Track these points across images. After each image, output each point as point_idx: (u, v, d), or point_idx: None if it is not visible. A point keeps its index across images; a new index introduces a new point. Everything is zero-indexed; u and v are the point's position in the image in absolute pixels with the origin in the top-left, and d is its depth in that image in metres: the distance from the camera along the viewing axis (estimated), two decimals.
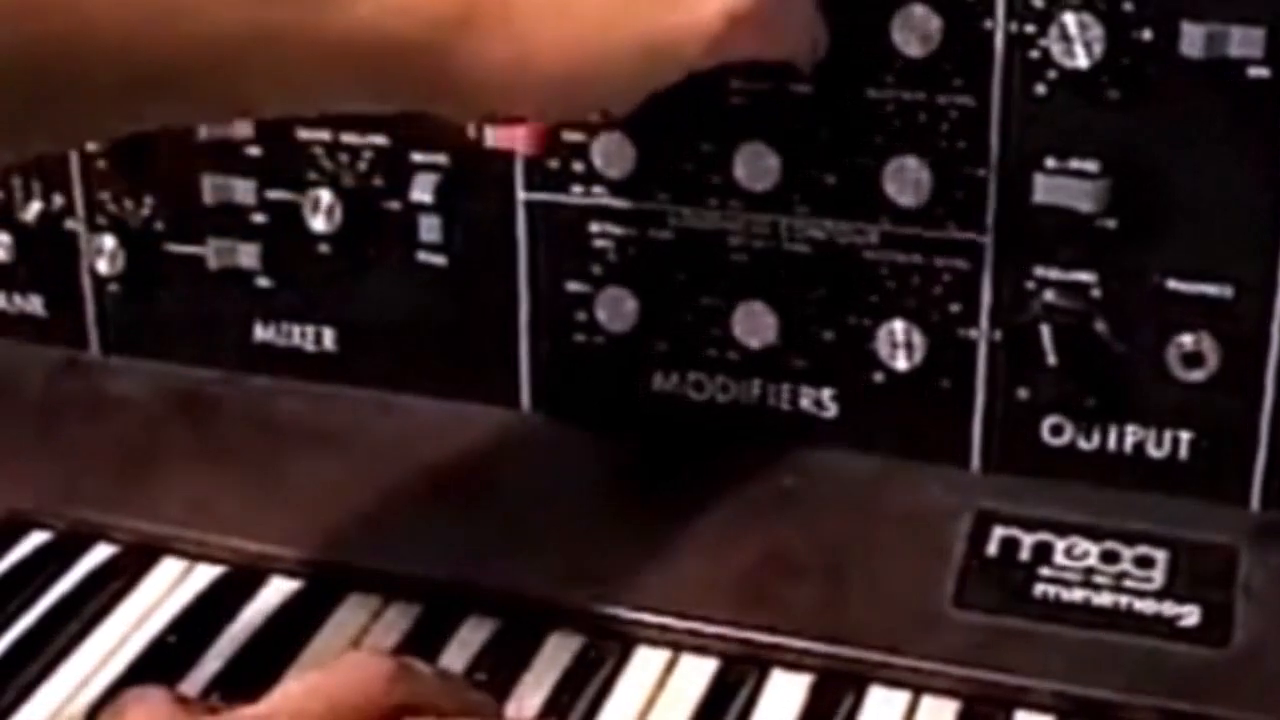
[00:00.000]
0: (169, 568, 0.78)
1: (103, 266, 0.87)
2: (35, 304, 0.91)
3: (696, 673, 0.71)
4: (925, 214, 0.74)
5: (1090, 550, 0.73)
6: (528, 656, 0.71)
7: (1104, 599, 0.71)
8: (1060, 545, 0.73)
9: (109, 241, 0.86)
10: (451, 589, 0.74)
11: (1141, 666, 0.68)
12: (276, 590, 0.76)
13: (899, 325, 0.76)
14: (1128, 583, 0.71)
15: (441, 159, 0.80)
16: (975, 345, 0.75)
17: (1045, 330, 0.73)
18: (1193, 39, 0.68)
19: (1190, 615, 0.69)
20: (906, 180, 0.73)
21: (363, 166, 0.82)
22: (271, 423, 0.85)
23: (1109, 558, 0.72)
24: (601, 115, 0.76)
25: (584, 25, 0.63)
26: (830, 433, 0.79)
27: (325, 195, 0.82)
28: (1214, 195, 0.70)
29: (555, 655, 0.71)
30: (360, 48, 0.59)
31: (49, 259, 0.89)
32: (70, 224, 0.88)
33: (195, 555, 0.78)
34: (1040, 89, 0.71)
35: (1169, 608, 0.70)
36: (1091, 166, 0.71)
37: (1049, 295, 0.73)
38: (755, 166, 0.75)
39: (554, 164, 0.79)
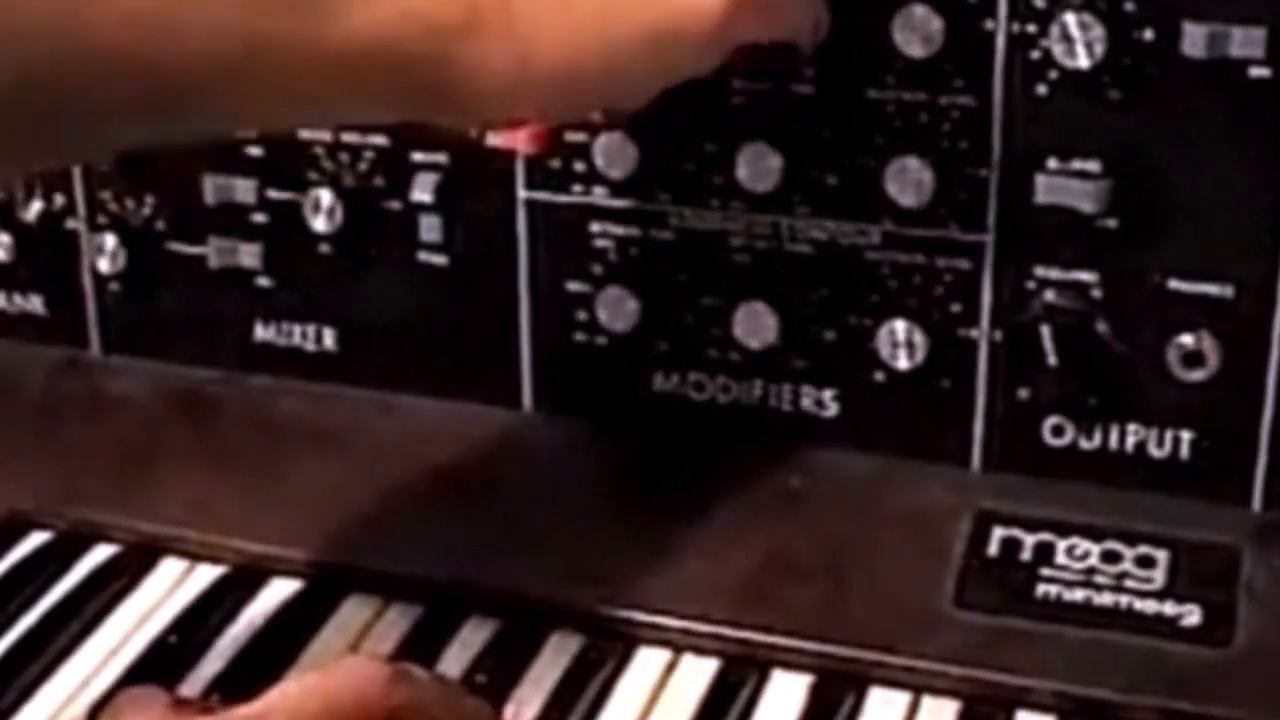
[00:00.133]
0: (169, 568, 0.78)
1: (103, 266, 0.87)
2: (36, 303, 0.90)
3: (697, 673, 0.71)
4: (926, 214, 0.74)
5: (1091, 550, 0.73)
6: (528, 657, 0.71)
7: (1105, 599, 0.70)
8: (1061, 545, 0.73)
9: (110, 241, 0.86)
10: (452, 589, 0.74)
11: (1143, 667, 0.68)
12: (277, 591, 0.76)
13: (900, 325, 0.75)
14: (1129, 583, 0.71)
15: (442, 158, 0.80)
16: (976, 345, 0.75)
17: (1046, 330, 0.73)
18: (1194, 39, 0.68)
19: (1191, 615, 0.69)
20: (908, 180, 0.73)
21: (363, 166, 0.82)
22: (272, 423, 0.85)
23: (1110, 558, 0.72)
24: (608, 115, 0.76)
25: (585, 18, 0.62)
26: (831, 432, 0.79)
27: (326, 195, 0.82)
28: (1215, 195, 0.70)
29: (556, 655, 0.71)
30: (361, 59, 0.59)
31: (50, 258, 0.89)
32: (71, 223, 0.88)
33: (196, 555, 0.78)
34: (1041, 89, 0.71)
35: (1170, 608, 0.70)
36: (1093, 167, 0.71)
37: (1050, 295, 0.73)
38: (757, 167, 0.75)
39: (555, 164, 0.79)
